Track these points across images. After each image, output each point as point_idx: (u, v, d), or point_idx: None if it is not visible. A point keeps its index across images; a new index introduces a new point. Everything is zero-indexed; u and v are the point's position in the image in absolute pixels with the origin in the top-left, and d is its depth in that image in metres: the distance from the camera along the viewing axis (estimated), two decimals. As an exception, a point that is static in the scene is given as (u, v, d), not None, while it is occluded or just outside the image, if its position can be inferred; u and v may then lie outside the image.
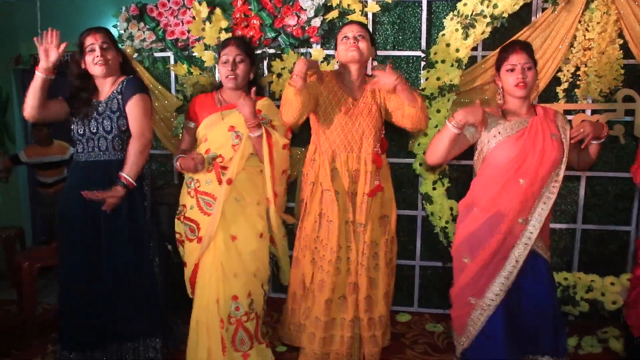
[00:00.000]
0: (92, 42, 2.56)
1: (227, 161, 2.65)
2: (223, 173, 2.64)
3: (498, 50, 3.00)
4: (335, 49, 2.72)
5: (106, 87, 2.64)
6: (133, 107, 2.58)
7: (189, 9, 3.41)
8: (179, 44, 3.46)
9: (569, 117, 3.16)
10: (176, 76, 3.55)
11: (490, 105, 3.03)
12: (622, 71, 3.02)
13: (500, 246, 2.32)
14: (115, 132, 2.59)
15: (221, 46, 2.72)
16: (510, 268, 2.33)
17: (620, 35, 3.01)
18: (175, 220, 2.80)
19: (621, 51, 3.00)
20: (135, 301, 2.64)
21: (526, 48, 2.37)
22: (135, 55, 3.54)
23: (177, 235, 2.81)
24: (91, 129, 2.59)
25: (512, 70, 2.34)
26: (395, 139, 3.33)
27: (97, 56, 2.55)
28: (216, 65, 3.37)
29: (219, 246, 2.63)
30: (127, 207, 2.60)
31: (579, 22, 3.01)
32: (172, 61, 3.54)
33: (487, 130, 2.38)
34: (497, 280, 2.34)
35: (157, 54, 3.55)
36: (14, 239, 4.22)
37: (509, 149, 2.32)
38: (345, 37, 2.62)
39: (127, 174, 2.54)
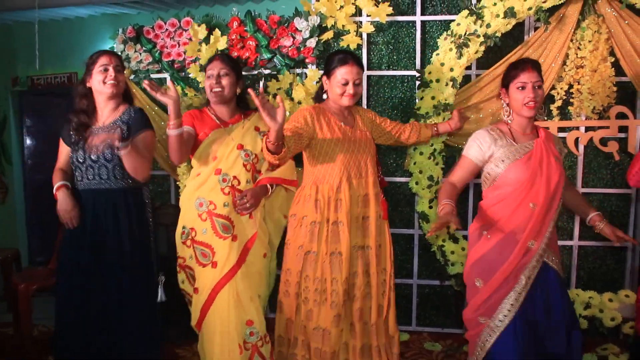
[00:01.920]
0: (107, 62, 2.56)
1: (243, 184, 2.66)
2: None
3: (494, 68, 3.09)
4: (326, 75, 2.63)
5: (106, 111, 2.62)
6: (140, 142, 2.57)
7: (185, 30, 3.44)
8: (175, 65, 3.48)
9: (564, 134, 3.19)
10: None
11: (484, 123, 3.08)
12: (615, 88, 3.06)
13: (507, 269, 2.29)
14: (116, 160, 2.56)
15: (207, 63, 2.77)
16: (519, 289, 2.30)
17: (612, 53, 3.04)
18: (180, 244, 2.75)
19: (613, 69, 3.04)
20: (135, 326, 2.61)
21: (537, 67, 2.37)
22: (132, 76, 3.56)
23: (180, 260, 2.77)
24: (91, 156, 2.57)
25: (522, 88, 2.33)
26: (391, 158, 3.35)
27: (111, 76, 2.55)
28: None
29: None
30: (131, 233, 2.60)
31: (571, 40, 3.04)
32: (168, 82, 3.55)
33: (492, 155, 2.37)
34: (506, 300, 2.31)
35: (153, 75, 3.58)
36: (10, 261, 4.20)
37: (517, 173, 2.32)
38: (344, 81, 2.55)
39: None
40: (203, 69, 3.36)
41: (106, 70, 2.55)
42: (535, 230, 2.29)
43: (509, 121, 2.43)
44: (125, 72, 2.70)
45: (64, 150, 2.70)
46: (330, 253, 2.56)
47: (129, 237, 2.59)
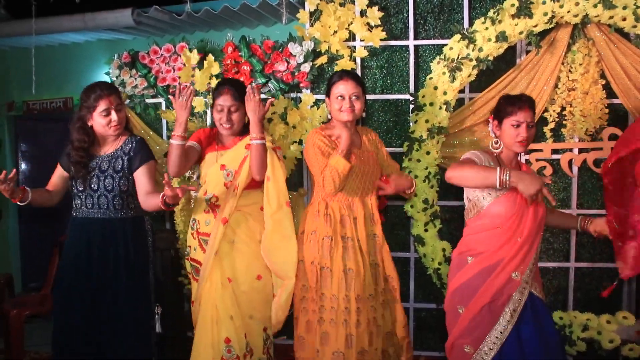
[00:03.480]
0: (107, 106, 2.52)
1: (221, 200, 2.67)
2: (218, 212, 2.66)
3: (487, 91, 3.11)
4: (327, 95, 2.70)
5: (109, 141, 2.63)
6: (144, 175, 2.59)
7: (180, 56, 3.47)
8: (171, 90, 3.50)
9: (557, 156, 3.21)
10: (167, 122, 3.58)
11: (479, 146, 3.09)
12: (607, 110, 3.08)
13: (492, 299, 2.31)
14: (116, 191, 2.57)
15: (216, 92, 2.70)
16: (504, 323, 2.31)
17: (603, 75, 3.08)
18: (186, 261, 2.84)
19: (604, 91, 3.07)
20: (130, 354, 2.59)
21: (532, 105, 2.40)
22: (127, 101, 3.58)
23: (190, 275, 2.84)
24: (92, 186, 2.57)
25: (517, 126, 2.36)
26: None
27: (114, 120, 2.54)
28: (206, 110, 3.41)
29: (216, 287, 2.62)
30: (127, 262, 2.58)
31: (562, 63, 3.08)
32: (163, 107, 3.58)
33: None
34: (492, 333, 2.32)
35: (148, 100, 3.60)
36: (3, 286, 4.16)
37: (505, 205, 2.33)
38: (340, 96, 2.61)
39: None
40: (198, 94, 3.40)
41: (108, 114, 2.53)
42: (519, 262, 2.32)
43: (496, 152, 2.45)
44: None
45: (57, 173, 2.69)
46: (347, 269, 2.57)
47: (126, 267, 2.57)
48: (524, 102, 2.39)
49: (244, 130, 2.74)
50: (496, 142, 2.45)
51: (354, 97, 2.61)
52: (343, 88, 2.61)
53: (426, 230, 3.17)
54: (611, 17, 2.90)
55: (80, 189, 2.58)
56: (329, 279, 2.57)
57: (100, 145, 2.64)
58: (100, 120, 2.54)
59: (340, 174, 2.50)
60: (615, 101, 3.11)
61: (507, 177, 2.19)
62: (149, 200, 2.55)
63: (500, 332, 2.31)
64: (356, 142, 2.71)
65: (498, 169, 2.22)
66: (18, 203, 2.52)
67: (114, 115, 2.54)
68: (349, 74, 2.67)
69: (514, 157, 2.46)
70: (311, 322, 2.61)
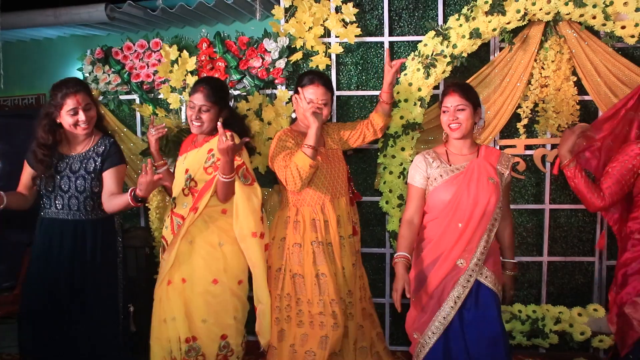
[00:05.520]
0: (75, 105, 2.45)
1: (179, 207, 2.61)
2: (176, 220, 2.59)
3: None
4: (296, 93, 2.67)
5: (79, 139, 2.58)
6: (112, 177, 2.55)
7: (155, 52, 3.43)
8: (145, 87, 3.46)
9: (531, 151, 3.25)
10: (142, 119, 3.54)
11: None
12: (578, 107, 3.13)
13: (438, 286, 2.36)
14: (88, 192, 2.53)
15: (192, 89, 2.67)
16: (448, 309, 2.35)
17: (574, 72, 3.12)
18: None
19: (576, 88, 3.11)
20: (101, 352, 2.57)
21: (460, 89, 2.42)
22: (101, 97, 3.53)
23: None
24: (62, 186, 2.52)
25: (446, 111, 2.42)
26: (361, 178, 3.36)
27: (82, 120, 2.47)
28: (181, 107, 3.38)
29: (164, 287, 2.59)
30: (100, 264, 2.56)
31: (535, 60, 3.11)
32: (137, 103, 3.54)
33: (429, 177, 2.44)
34: (435, 318, 2.37)
35: (122, 97, 3.55)
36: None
37: (443, 192, 2.39)
38: (309, 101, 2.59)
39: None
40: (174, 90, 3.36)
41: (76, 113, 2.47)
42: (462, 249, 2.34)
43: (446, 143, 2.51)
44: (93, 92, 2.67)
45: (26, 172, 2.62)
46: (320, 274, 2.56)
47: (95, 268, 2.54)
48: (449, 87, 2.45)
49: (214, 131, 2.72)
50: (445, 133, 2.50)
51: (321, 103, 2.60)
52: (312, 93, 2.60)
53: (401, 226, 3.19)
54: (581, 15, 2.94)
55: (50, 189, 2.53)
56: (302, 285, 2.57)
57: (71, 144, 2.59)
58: (68, 119, 2.47)
59: (300, 170, 2.45)
60: (586, 98, 3.15)
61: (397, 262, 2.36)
62: (112, 200, 2.49)
63: (444, 318, 2.35)
64: (321, 141, 2.68)
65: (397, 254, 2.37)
66: None
67: (81, 115, 2.47)
68: (320, 79, 2.64)
69: (463, 145, 2.46)
70: (284, 331, 2.59)
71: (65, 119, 2.48)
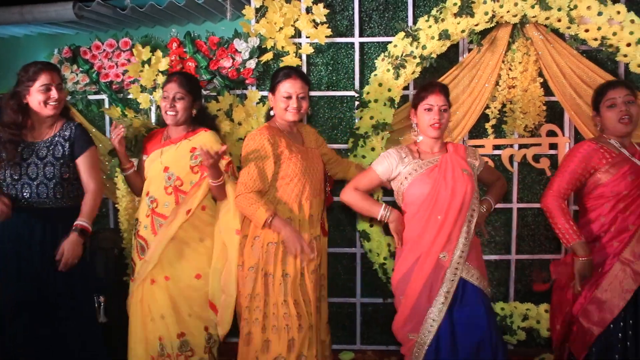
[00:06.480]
0: (49, 81, 2.43)
1: (161, 207, 2.61)
2: (158, 220, 2.60)
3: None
4: (271, 91, 2.64)
5: (44, 126, 2.53)
6: (87, 162, 2.53)
7: (124, 51, 3.39)
8: (114, 87, 3.42)
9: (499, 151, 3.30)
10: (111, 119, 3.50)
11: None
12: (544, 107, 3.19)
13: (425, 284, 2.37)
14: (57, 179, 2.48)
15: (165, 81, 2.71)
16: (440, 305, 2.37)
17: (541, 74, 3.18)
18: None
19: (542, 89, 3.17)
20: (76, 346, 2.56)
21: (445, 91, 2.48)
22: (69, 97, 3.47)
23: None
24: (29, 174, 2.47)
25: (429, 109, 2.44)
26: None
27: (54, 97, 2.44)
28: (151, 107, 3.35)
29: (147, 285, 2.61)
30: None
31: (503, 61, 3.16)
32: (106, 104, 3.50)
33: (399, 173, 2.47)
34: (429, 316, 2.38)
35: (91, 97, 3.50)
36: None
37: (421, 186, 2.41)
38: (287, 96, 2.55)
39: (85, 221, 2.47)
40: (144, 90, 3.33)
41: (48, 90, 2.43)
42: (444, 242, 2.36)
43: (418, 140, 2.53)
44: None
45: None
46: (285, 274, 2.54)
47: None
48: (434, 86, 2.48)
49: (190, 125, 2.71)
50: (415, 131, 2.53)
51: (300, 96, 2.57)
52: (290, 87, 2.55)
53: (371, 226, 3.21)
54: (547, 18, 3.00)
55: (16, 177, 2.47)
56: (271, 285, 2.54)
57: (35, 130, 2.53)
58: (39, 96, 2.44)
59: (252, 218, 2.50)
60: (552, 98, 3.21)
61: (388, 214, 2.46)
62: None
63: (437, 314, 2.36)
64: (297, 139, 2.68)
65: (382, 207, 2.48)
66: None
67: (54, 92, 2.45)
68: (296, 72, 2.62)
69: (435, 144, 2.50)
70: (252, 334, 2.56)
71: (35, 96, 2.44)
